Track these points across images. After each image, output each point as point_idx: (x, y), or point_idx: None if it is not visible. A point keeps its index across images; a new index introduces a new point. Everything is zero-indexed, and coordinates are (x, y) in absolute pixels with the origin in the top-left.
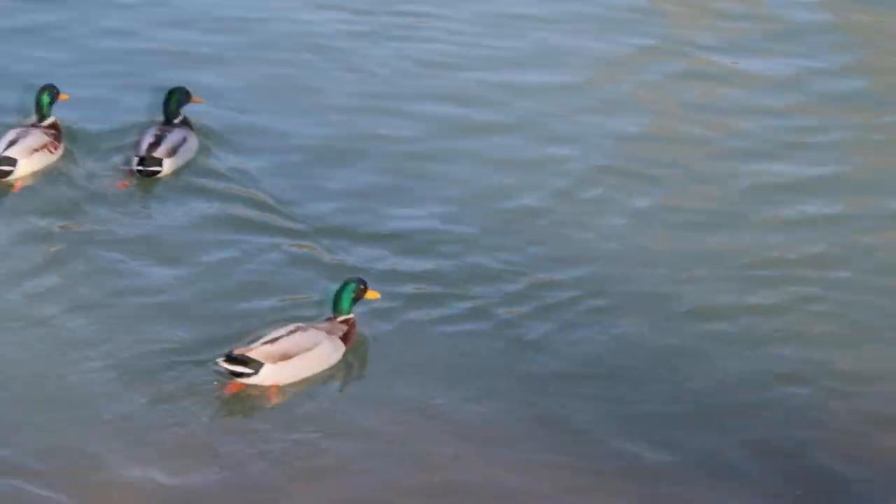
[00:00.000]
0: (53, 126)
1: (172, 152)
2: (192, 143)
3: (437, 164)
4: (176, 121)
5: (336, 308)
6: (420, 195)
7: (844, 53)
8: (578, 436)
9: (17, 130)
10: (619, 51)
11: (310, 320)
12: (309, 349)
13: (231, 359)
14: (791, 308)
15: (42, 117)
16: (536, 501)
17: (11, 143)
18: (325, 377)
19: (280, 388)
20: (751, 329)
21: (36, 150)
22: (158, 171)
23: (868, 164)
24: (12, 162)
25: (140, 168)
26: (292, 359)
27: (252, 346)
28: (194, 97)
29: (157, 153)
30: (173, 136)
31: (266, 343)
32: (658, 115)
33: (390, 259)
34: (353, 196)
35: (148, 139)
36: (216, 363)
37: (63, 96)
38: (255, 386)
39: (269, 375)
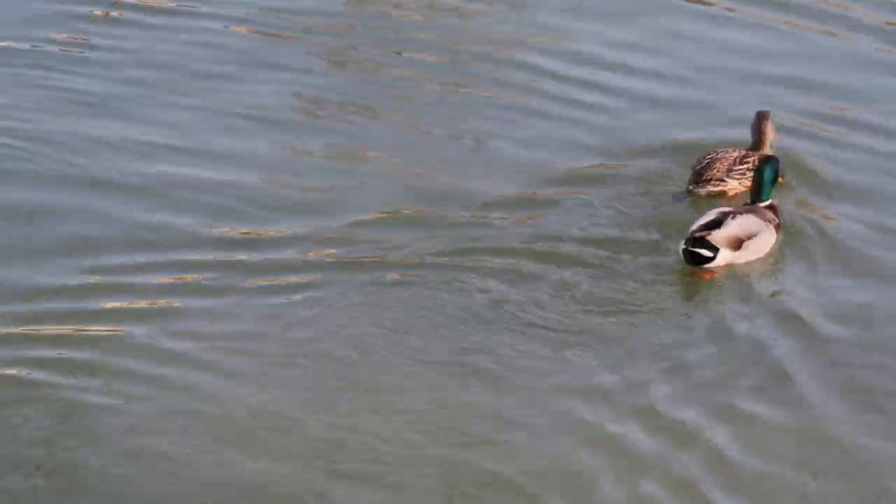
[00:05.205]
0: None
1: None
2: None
3: None
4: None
5: (759, 193)
6: None
7: None
8: None
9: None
10: None
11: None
12: (756, 235)
13: (694, 241)
14: None
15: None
16: None
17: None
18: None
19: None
20: None
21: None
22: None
23: None
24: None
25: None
26: (744, 244)
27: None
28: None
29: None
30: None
31: (714, 227)
32: None
33: None
34: None
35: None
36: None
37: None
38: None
39: (724, 259)
